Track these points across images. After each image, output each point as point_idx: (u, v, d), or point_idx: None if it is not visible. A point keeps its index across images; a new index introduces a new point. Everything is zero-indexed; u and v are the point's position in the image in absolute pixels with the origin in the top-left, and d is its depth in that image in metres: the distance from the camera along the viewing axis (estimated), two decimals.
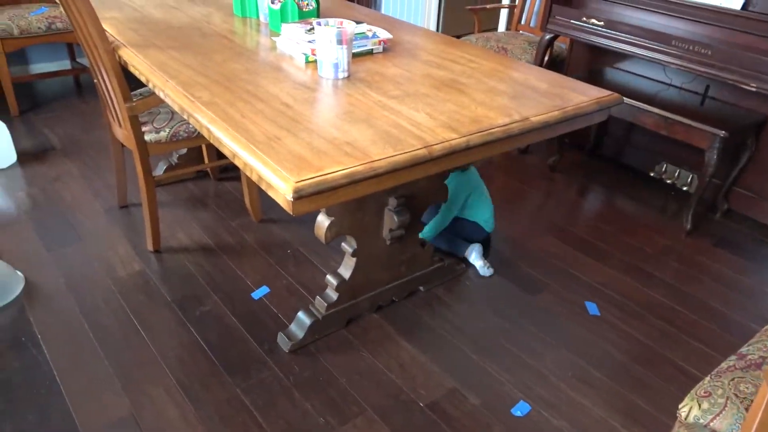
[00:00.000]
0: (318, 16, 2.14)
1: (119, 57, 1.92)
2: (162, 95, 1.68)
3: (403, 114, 1.47)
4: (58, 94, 3.74)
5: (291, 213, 1.17)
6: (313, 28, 1.85)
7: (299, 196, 1.14)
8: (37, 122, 3.32)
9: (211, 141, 1.44)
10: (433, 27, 4.89)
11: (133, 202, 2.59)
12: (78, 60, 3.90)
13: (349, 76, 1.72)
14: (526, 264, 2.31)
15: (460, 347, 1.89)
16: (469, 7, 3.70)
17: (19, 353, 1.79)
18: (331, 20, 1.72)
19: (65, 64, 3.92)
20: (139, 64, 1.79)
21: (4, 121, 2.83)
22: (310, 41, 1.81)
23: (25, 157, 2.92)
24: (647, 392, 1.77)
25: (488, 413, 1.67)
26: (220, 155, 2.72)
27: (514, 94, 1.64)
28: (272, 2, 2.10)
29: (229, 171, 2.87)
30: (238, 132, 1.34)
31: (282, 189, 1.16)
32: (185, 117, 1.56)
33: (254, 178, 1.28)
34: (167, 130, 2.13)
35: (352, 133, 1.36)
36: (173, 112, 2.19)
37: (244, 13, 2.31)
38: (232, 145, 1.32)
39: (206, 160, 2.69)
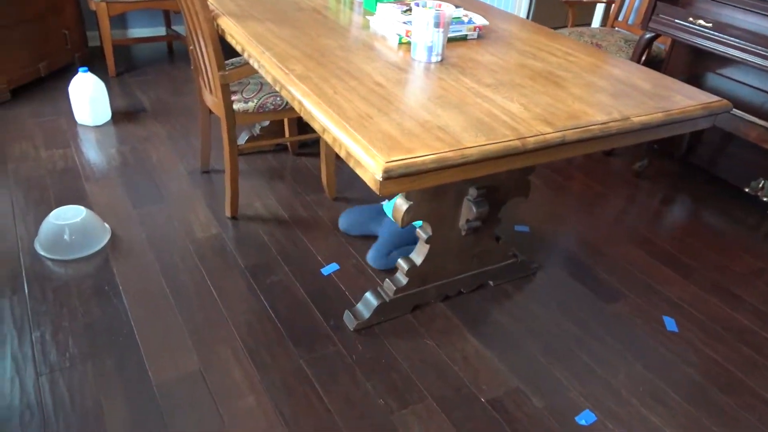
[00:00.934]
0: None
1: (217, 26, 1.96)
2: (257, 66, 1.70)
3: (497, 103, 1.43)
4: (151, 58, 3.90)
5: (377, 193, 1.16)
6: (409, 9, 1.83)
7: (388, 176, 1.13)
8: (132, 84, 3.47)
9: (302, 114, 1.45)
10: (523, 17, 4.75)
11: (214, 168, 2.67)
12: (173, 27, 4.04)
13: (442, 61, 1.69)
14: (603, 270, 2.23)
15: (527, 347, 1.84)
16: None
17: (102, 301, 1.89)
18: (429, 2, 1.69)
19: (161, 31, 4.07)
20: (237, 34, 1.83)
21: (104, 80, 2.97)
22: (405, 22, 1.79)
23: (118, 116, 3.06)
24: (725, 419, 1.68)
25: (551, 418, 1.62)
26: (301, 130, 2.75)
27: (614, 92, 1.57)
28: None
29: (307, 147, 2.91)
30: (331, 107, 1.34)
31: (371, 167, 1.15)
32: (278, 89, 1.58)
33: (342, 154, 1.27)
34: (255, 101, 2.17)
35: (443, 118, 1.34)
36: (262, 84, 2.23)
37: None
38: (324, 119, 1.32)
39: (287, 134, 2.73)
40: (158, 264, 2.07)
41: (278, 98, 2.20)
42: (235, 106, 2.15)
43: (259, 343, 1.78)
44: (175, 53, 4.00)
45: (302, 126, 2.76)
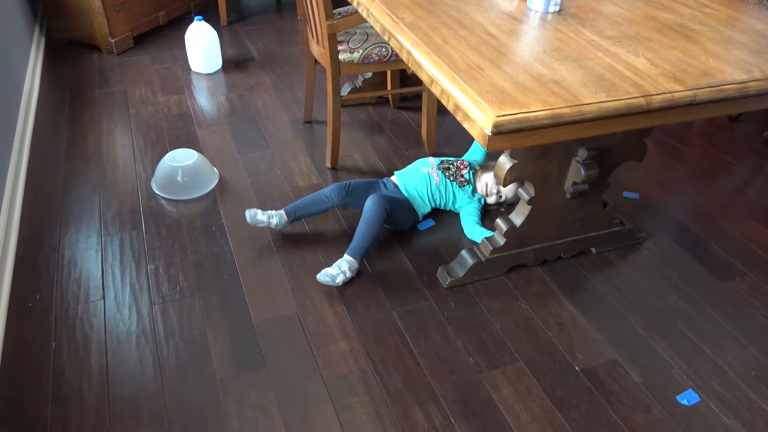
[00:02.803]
0: None
1: None
2: (365, 14, 1.68)
3: (620, 57, 1.33)
4: (260, 8, 3.97)
5: (485, 148, 1.12)
6: None
7: (498, 131, 1.08)
8: (241, 33, 3.56)
9: (410, 65, 1.42)
10: None
11: (316, 118, 2.70)
12: None
13: (560, 11, 1.58)
14: (718, 245, 2.06)
15: (628, 319, 1.76)
16: None
17: (209, 240, 2.00)
18: None
19: None
20: None
21: (216, 29, 3.07)
22: None
23: (228, 65, 3.17)
24: None
25: (650, 394, 1.55)
26: (403, 84, 2.72)
27: (757, 48, 1.41)
28: None
29: (408, 101, 2.88)
30: (440, 58, 1.30)
31: (481, 121, 1.11)
32: (386, 38, 1.55)
33: (450, 107, 1.24)
34: (360, 51, 2.16)
35: (560, 71, 1.26)
36: (368, 34, 2.21)
37: None
38: (432, 70, 1.29)
39: (389, 87, 2.71)
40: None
41: (383, 49, 2.18)
42: (341, 56, 2.15)
43: (353, 291, 1.82)
44: (282, 4, 4.05)
45: (404, 79, 2.72)
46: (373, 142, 2.57)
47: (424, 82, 1.35)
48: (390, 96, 2.83)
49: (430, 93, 2.34)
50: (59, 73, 3.03)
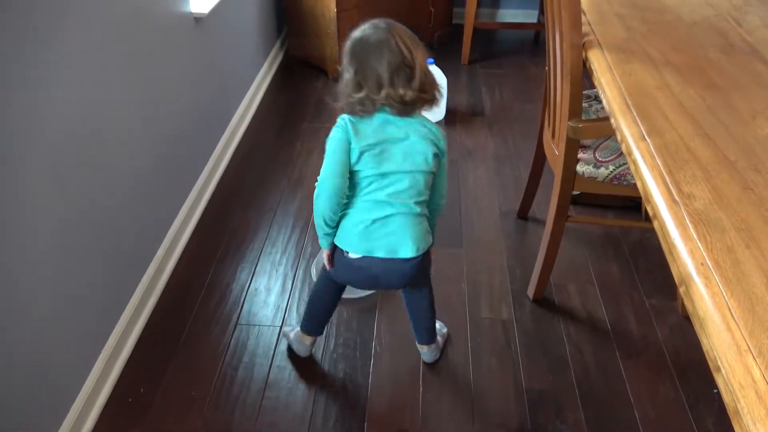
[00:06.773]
0: None
1: (586, 59, 1.32)
2: (624, 148, 1.04)
3: None
4: (512, 47, 3.42)
5: None
6: None
7: None
8: (480, 77, 3.06)
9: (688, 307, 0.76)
10: None
11: (534, 216, 2.09)
12: None
13: None
14: None
15: None
16: None
17: (347, 365, 1.55)
18: None
19: (532, 16, 3.54)
20: (607, 84, 1.17)
21: (452, 67, 2.61)
22: None
23: (451, 116, 2.68)
24: None
25: None
26: None
27: None
28: None
29: None
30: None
31: None
32: (649, 210, 0.90)
33: None
34: (611, 167, 1.49)
35: None
36: None
37: None
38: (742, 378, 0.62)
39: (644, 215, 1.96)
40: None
41: None
42: (580, 168, 1.51)
43: None
44: (540, 44, 3.44)
45: None
46: (602, 270, 1.87)
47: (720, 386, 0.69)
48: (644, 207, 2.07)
49: None
50: (285, 89, 2.88)
